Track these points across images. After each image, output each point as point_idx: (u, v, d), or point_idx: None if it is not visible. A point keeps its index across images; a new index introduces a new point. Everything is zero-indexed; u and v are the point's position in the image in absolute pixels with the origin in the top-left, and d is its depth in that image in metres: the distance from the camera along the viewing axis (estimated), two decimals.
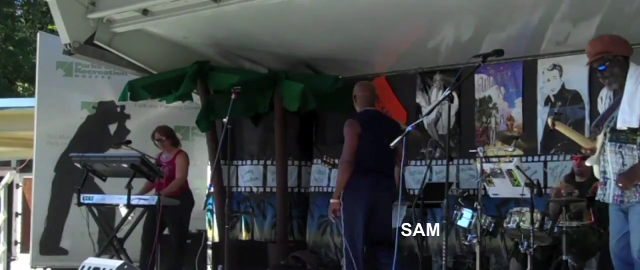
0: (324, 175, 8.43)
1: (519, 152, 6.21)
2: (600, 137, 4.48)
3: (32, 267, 8.80)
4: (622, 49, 4.45)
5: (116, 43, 7.91)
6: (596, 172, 4.57)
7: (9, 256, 9.70)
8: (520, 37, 6.95)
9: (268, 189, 8.76)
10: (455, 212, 6.09)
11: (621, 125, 4.36)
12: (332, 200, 5.79)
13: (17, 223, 10.03)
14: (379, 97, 8.31)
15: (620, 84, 4.41)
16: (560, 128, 4.84)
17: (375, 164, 5.80)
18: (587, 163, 4.64)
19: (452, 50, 7.40)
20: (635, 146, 4.32)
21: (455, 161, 7.56)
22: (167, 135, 7.59)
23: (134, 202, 6.87)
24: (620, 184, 4.32)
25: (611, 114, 4.46)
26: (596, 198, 4.58)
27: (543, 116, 7.10)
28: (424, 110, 7.82)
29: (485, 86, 7.61)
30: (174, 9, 7.16)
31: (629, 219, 4.37)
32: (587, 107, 6.90)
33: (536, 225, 5.66)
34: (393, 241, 5.22)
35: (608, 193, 4.45)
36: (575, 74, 7.01)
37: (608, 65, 4.41)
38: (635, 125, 4.28)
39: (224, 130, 6.01)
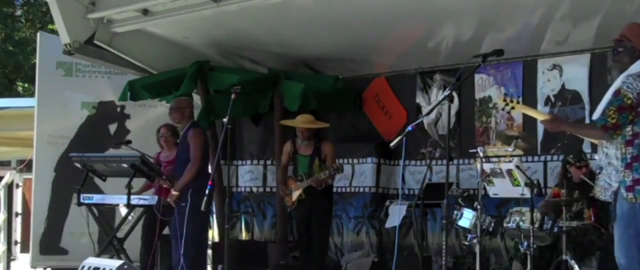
0: None
1: (519, 152, 6.20)
2: None
3: (32, 267, 8.79)
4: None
5: (116, 43, 7.91)
6: None
7: (9, 256, 9.68)
8: (520, 37, 6.95)
9: (268, 189, 8.77)
10: (455, 212, 6.09)
11: (594, 116, 4.34)
12: (174, 192, 6.51)
13: (17, 223, 10.01)
14: (380, 97, 8.36)
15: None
16: (522, 109, 4.79)
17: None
18: (596, 157, 4.63)
19: (452, 50, 7.41)
20: (604, 143, 4.26)
21: (455, 161, 7.57)
22: (172, 133, 7.62)
23: (134, 202, 6.87)
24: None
25: None
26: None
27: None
28: (424, 110, 7.83)
29: (485, 86, 7.61)
30: (174, 8, 7.16)
31: None
32: (587, 107, 6.90)
33: (536, 225, 5.67)
34: None
35: (599, 184, 4.42)
36: (575, 74, 7.02)
37: (621, 52, 4.28)
38: (595, 118, 4.24)
39: (224, 130, 6.01)
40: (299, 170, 6.94)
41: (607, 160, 4.25)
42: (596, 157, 4.60)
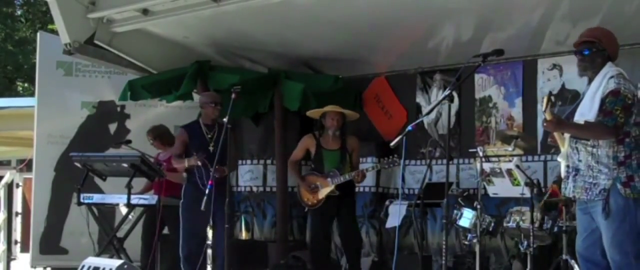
0: None
1: (519, 151, 6.21)
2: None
3: (32, 266, 8.80)
4: (612, 48, 4.49)
5: (116, 43, 7.91)
6: (562, 169, 4.57)
7: (9, 256, 9.70)
8: (520, 37, 6.95)
9: (268, 189, 8.76)
10: (455, 211, 6.09)
11: (578, 118, 4.41)
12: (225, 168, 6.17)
13: (17, 223, 10.02)
14: (380, 97, 8.36)
15: (593, 76, 4.44)
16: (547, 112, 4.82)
17: None
18: (558, 159, 4.65)
19: (452, 50, 7.41)
20: (589, 142, 4.34)
21: (455, 161, 7.57)
22: (154, 137, 7.64)
23: (134, 201, 6.87)
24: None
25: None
26: (562, 192, 4.61)
27: (543, 116, 7.09)
28: (424, 110, 7.83)
29: (485, 86, 7.62)
30: (174, 8, 7.16)
31: (596, 221, 4.37)
32: None
33: (536, 225, 5.67)
34: None
35: (569, 187, 4.46)
36: (576, 74, 6.94)
37: (593, 52, 4.44)
38: (591, 119, 4.29)
39: (224, 130, 6.01)
40: (326, 166, 6.75)
41: (594, 159, 4.32)
42: (559, 158, 4.64)
